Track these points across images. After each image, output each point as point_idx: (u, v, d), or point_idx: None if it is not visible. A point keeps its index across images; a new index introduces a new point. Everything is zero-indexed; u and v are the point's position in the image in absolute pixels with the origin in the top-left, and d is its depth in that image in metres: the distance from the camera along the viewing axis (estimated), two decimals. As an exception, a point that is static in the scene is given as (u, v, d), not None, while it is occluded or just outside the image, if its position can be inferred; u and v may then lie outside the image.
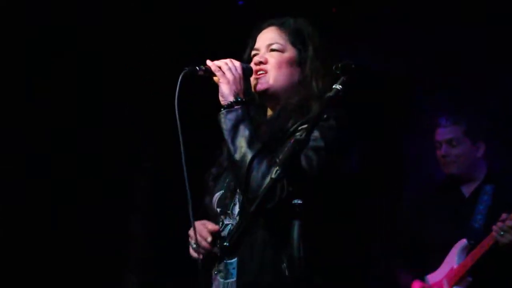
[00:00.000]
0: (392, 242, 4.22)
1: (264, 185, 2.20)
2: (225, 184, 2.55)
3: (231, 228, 2.44)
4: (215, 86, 2.51)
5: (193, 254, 2.54)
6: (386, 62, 4.93)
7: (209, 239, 2.45)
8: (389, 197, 4.80)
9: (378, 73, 4.85)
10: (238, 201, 2.45)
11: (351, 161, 2.44)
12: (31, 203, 4.91)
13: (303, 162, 2.28)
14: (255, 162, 2.31)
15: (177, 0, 5.01)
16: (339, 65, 2.23)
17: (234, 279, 2.40)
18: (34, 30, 4.87)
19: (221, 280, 2.43)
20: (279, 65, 2.55)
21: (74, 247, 4.99)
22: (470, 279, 3.69)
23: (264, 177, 2.26)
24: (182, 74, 2.44)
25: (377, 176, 4.59)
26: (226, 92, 2.44)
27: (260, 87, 2.55)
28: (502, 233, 3.53)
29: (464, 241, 3.73)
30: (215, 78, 2.50)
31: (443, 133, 3.94)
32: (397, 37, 4.85)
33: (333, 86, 2.21)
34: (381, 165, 4.77)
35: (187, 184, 2.33)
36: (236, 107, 2.42)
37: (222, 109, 2.43)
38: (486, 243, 3.61)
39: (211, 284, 2.48)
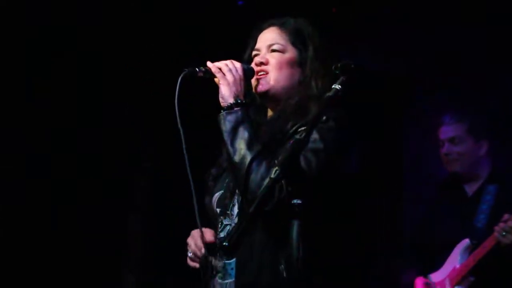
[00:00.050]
0: (392, 242, 4.23)
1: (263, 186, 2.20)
2: (224, 184, 2.54)
3: (230, 228, 2.44)
4: (215, 87, 2.50)
5: (190, 263, 2.55)
6: (386, 62, 4.93)
7: (203, 251, 2.48)
8: (389, 197, 4.80)
9: (378, 73, 4.85)
10: (237, 201, 2.44)
11: (351, 161, 2.43)
12: (31, 203, 4.91)
13: (302, 163, 2.28)
14: (254, 164, 2.30)
15: (177, 0, 5.01)
16: (339, 65, 2.23)
17: (233, 279, 2.39)
18: (34, 30, 4.87)
19: (219, 281, 2.43)
20: (280, 66, 2.54)
21: (73, 247, 4.99)
22: (472, 278, 3.68)
23: (263, 179, 2.26)
24: (181, 75, 2.43)
25: (377, 176, 4.59)
26: (226, 94, 2.44)
27: (261, 88, 2.54)
28: (504, 233, 3.52)
29: (466, 241, 3.73)
30: (215, 79, 2.49)
31: (446, 131, 3.93)
32: (397, 37, 4.85)
33: (332, 86, 2.20)
34: (381, 165, 4.77)
35: (193, 191, 2.34)
36: (236, 109, 2.41)
37: (221, 111, 2.43)
38: (488, 243, 3.60)
39: (209, 284, 2.48)
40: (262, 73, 2.55)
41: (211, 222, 2.55)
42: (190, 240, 2.55)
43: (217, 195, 2.55)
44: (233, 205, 2.46)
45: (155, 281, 5.29)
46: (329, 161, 2.33)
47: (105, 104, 5.19)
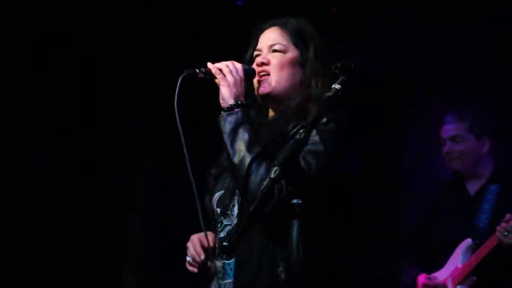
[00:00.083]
0: (392, 242, 4.23)
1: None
2: (225, 184, 2.54)
3: (230, 229, 2.44)
4: (216, 87, 2.50)
5: (189, 267, 2.55)
6: (386, 62, 4.93)
7: (202, 257, 2.48)
8: (389, 197, 4.80)
9: (378, 73, 4.85)
10: (237, 202, 2.44)
11: (351, 161, 2.43)
12: (31, 203, 4.91)
13: (303, 165, 2.28)
14: (253, 165, 2.30)
15: (177, 0, 5.01)
16: (338, 64, 2.23)
17: (231, 279, 2.39)
18: (34, 30, 4.87)
19: (218, 281, 2.43)
20: (281, 66, 2.53)
21: (73, 246, 4.99)
22: (474, 278, 3.69)
23: (262, 180, 2.25)
24: (181, 76, 2.42)
25: (377, 176, 4.59)
26: (227, 95, 2.43)
27: (263, 90, 2.53)
28: (506, 233, 3.53)
29: (468, 241, 3.73)
30: (216, 80, 2.49)
31: (448, 130, 3.94)
32: (397, 37, 4.85)
33: (332, 86, 2.20)
34: (381, 165, 4.77)
35: (196, 195, 2.34)
36: (236, 110, 2.40)
37: (222, 112, 2.42)
38: (490, 243, 3.60)
39: (208, 285, 2.48)
40: (263, 73, 2.54)
41: (211, 221, 2.55)
42: (189, 245, 2.54)
43: (217, 195, 2.55)
44: (233, 206, 2.46)
45: (155, 281, 5.29)
46: (329, 163, 2.33)
47: (105, 104, 5.19)
